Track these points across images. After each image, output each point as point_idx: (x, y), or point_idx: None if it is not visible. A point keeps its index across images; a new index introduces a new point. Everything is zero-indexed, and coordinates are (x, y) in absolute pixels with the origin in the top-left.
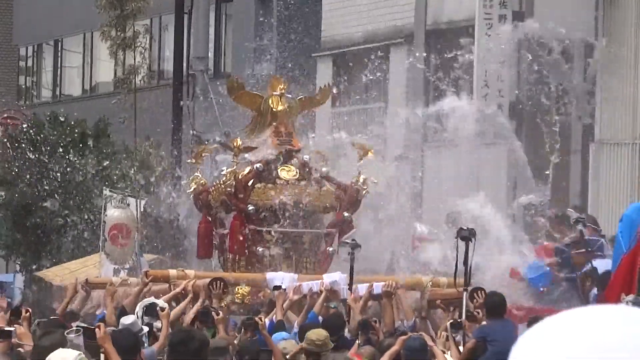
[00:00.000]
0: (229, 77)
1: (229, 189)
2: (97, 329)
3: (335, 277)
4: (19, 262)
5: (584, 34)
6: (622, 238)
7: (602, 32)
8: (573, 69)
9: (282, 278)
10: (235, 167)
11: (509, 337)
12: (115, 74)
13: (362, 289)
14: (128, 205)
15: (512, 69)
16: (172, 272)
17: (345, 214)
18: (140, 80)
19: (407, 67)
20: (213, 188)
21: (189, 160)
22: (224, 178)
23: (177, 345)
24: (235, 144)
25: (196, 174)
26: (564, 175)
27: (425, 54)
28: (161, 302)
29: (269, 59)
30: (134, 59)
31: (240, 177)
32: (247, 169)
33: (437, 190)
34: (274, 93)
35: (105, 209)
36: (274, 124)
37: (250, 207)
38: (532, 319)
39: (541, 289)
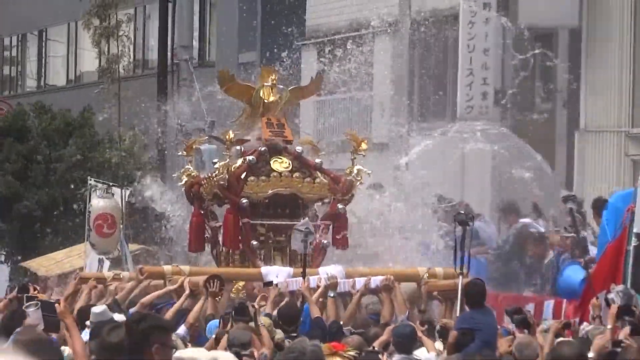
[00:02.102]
0: (213, 65)
1: (221, 183)
2: (56, 304)
3: (332, 270)
4: (4, 253)
5: (569, 21)
6: (607, 226)
7: (587, 19)
8: (558, 56)
9: (278, 272)
10: (227, 160)
11: (492, 325)
12: (99, 63)
13: (359, 283)
14: (113, 195)
15: (496, 57)
16: (167, 268)
17: (339, 206)
18: (124, 70)
19: (391, 56)
20: (205, 181)
21: (179, 153)
22: (216, 172)
23: (130, 323)
24: (227, 137)
25: (187, 166)
26: (549, 163)
27: (409, 43)
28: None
29: (254, 48)
30: (117, 48)
31: (232, 170)
32: (239, 162)
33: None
34: (265, 84)
35: (89, 199)
36: (266, 115)
37: (244, 201)
38: (514, 310)
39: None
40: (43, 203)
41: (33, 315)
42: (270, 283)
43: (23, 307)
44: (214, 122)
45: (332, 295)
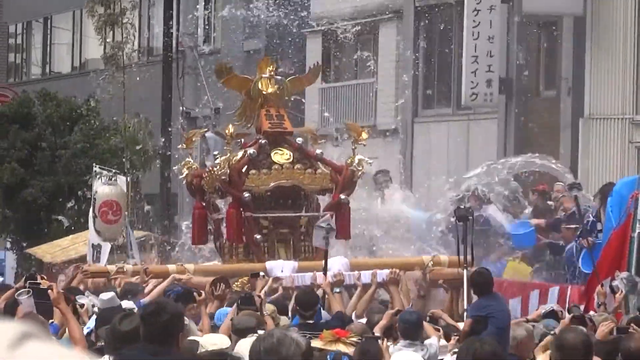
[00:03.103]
0: (219, 53)
1: (223, 178)
2: (49, 290)
3: (337, 262)
4: (9, 240)
5: (573, 8)
6: (611, 213)
7: (591, 6)
8: (562, 43)
9: (283, 267)
10: (228, 154)
11: (505, 311)
12: (104, 50)
13: (365, 276)
14: (117, 182)
15: (501, 45)
16: (172, 267)
17: (342, 196)
18: (127, 57)
19: (396, 43)
20: (206, 174)
21: (179, 146)
22: (217, 167)
23: (148, 316)
24: (227, 132)
25: (188, 159)
26: (553, 150)
27: (414, 30)
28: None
29: (259, 35)
30: (122, 35)
31: (233, 163)
32: (240, 154)
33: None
34: (263, 75)
35: (94, 186)
36: (265, 106)
37: (246, 195)
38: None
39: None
40: (48, 190)
41: (25, 303)
42: (256, 274)
43: (15, 296)
44: (219, 109)
45: (338, 290)
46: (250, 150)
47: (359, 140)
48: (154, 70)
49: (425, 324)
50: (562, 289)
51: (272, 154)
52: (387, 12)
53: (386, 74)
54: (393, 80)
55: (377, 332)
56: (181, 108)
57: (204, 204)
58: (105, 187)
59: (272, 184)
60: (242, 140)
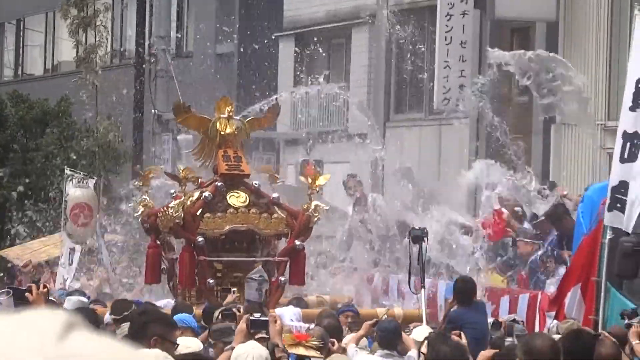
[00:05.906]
0: (191, 56)
1: (177, 222)
2: (27, 293)
3: (289, 311)
4: None
5: (546, 14)
6: (582, 219)
7: (564, 12)
8: (535, 49)
9: None
10: (183, 198)
11: (483, 322)
12: (77, 52)
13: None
14: (89, 185)
15: (473, 50)
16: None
17: (297, 242)
18: (100, 60)
19: (368, 48)
20: (161, 213)
21: (136, 183)
22: (172, 210)
23: (133, 315)
24: (182, 174)
25: (144, 196)
26: (525, 156)
27: (387, 34)
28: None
29: (231, 39)
30: (95, 38)
31: (188, 204)
32: (196, 195)
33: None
34: (222, 115)
35: (66, 189)
36: (223, 147)
37: (200, 239)
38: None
39: None
40: (20, 192)
41: (5, 303)
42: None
43: None
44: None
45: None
46: (206, 193)
47: (313, 188)
48: (126, 73)
49: (404, 335)
50: (532, 296)
51: (228, 197)
52: (359, 17)
53: (358, 78)
54: (365, 85)
55: (352, 342)
56: (153, 111)
57: (159, 243)
58: (77, 190)
59: (226, 228)
60: (199, 180)
